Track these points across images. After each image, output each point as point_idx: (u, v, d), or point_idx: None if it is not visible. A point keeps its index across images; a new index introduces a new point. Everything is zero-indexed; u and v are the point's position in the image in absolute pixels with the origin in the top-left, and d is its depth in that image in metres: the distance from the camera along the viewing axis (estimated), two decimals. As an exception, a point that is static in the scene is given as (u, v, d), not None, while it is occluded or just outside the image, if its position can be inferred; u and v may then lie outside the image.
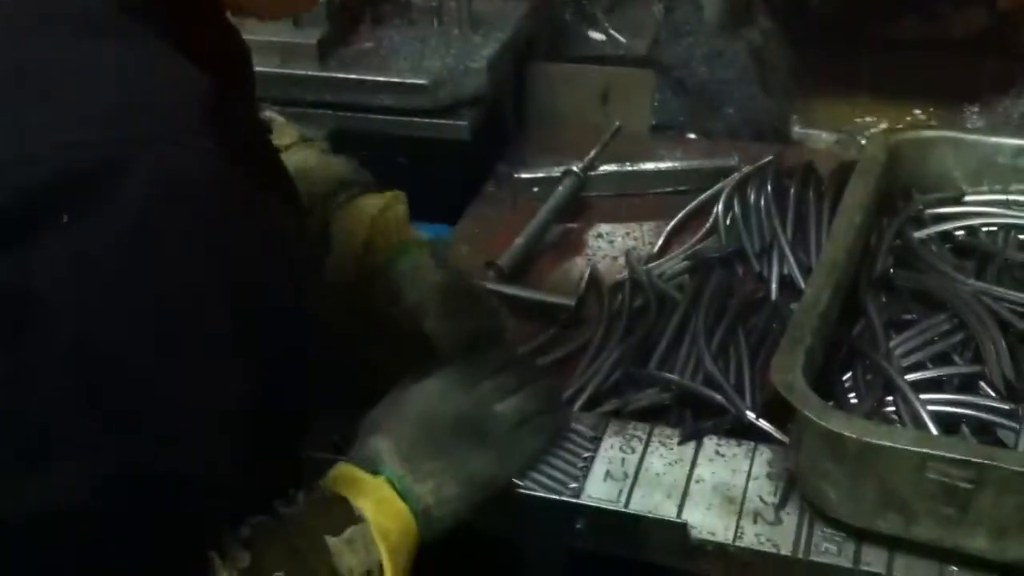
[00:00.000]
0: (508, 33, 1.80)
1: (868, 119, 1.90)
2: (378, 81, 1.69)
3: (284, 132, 1.32)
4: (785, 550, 1.07)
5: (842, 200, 1.39)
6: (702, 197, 1.64)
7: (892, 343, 1.26)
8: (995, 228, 1.47)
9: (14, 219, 0.71)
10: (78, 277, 0.72)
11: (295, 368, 0.91)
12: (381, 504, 0.98)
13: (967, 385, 1.21)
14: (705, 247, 1.54)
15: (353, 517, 0.95)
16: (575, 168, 1.65)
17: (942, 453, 1.01)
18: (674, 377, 1.27)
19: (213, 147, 0.77)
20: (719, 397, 1.22)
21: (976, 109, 1.88)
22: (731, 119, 1.86)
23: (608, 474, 1.14)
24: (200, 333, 0.78)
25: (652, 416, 1.24)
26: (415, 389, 1.09)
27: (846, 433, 1.03)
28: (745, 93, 1.86)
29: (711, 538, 1.09)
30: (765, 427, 1.19)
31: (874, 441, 1.03)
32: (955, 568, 1.05)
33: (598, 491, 1.12)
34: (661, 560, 1.11)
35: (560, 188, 1.63)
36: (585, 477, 1.14)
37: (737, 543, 1.08)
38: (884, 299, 1.35)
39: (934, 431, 1.12)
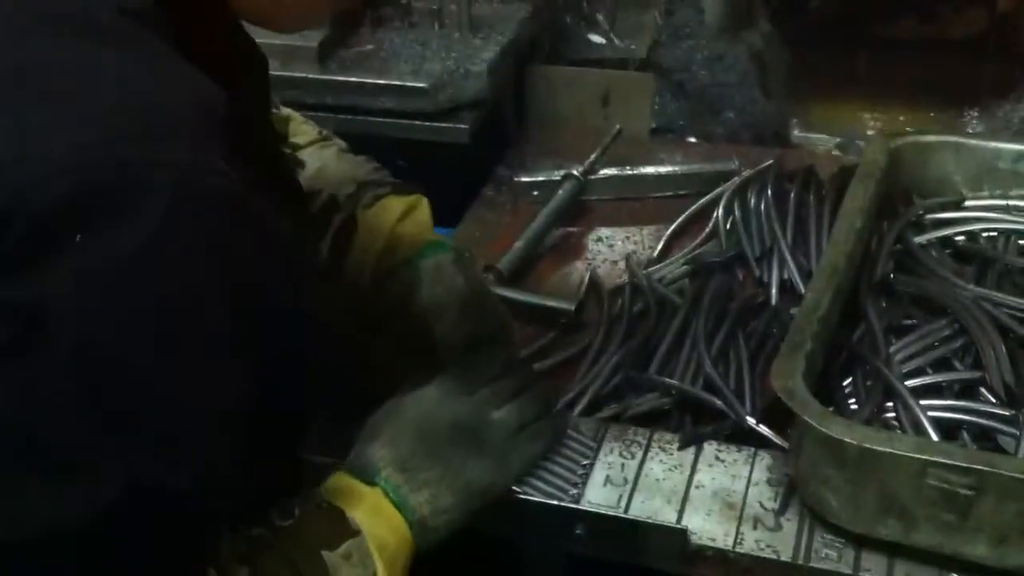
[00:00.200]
0: (508, 36, 1.80)
1: (868, 123, 1.90)
2: (378, 84, 1.69)
3: (302, 130, 1.32)
4: (785, 556, 1.07)
5: (842, 204, 1.39)
6: (702, 201, 1.64)
7: (892, 348, 1.25)
8: (995, 233, 1.46)
9: (28, 239, 0.71)
10: (88, 294, 0.72)
11: (294, 369, 0.91)
12: (377, 515, 0.98)
13: (967, 391, 1.21)
14: (705, 251, 1.54)
15: (350, 530, 0.95)
16: (575, 172, 1.65)
17: (942, 459, 1.01)
18: (674, 382, 1.27)
19: (226, 165, 0.77)
20: (719, 402, 1.22)
21: (976, 113, 1.88)
22: (731, 123, 1.86)
23: (608, 479, 1.14)
24: (201, 335, 0.78)
25: (652, 421, 1.24)
26: (413, 396, 1.09)
27: (846, 439, 1.03)
28: (745, 97, 1.86)
29: (711, 544, 1.09)
30: (765, 432, 1.19)
31: (874, 447, 1.03)
32: (955, 575, 1.05)
33: (598, 496, 1.12)
34: (661, 566, 1.11)
35: (560, 192, 1.63)
36: (585, 482, 1.13)
37: (737, 549, 1.08)
38: (884, 304, 1.35)
39: (934, 437, 1.12)
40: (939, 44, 2.01)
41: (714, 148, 1.82)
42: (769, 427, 1.19)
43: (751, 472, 1.15)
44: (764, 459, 1.16)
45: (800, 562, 1.06)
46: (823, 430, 1.04)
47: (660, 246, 1.57)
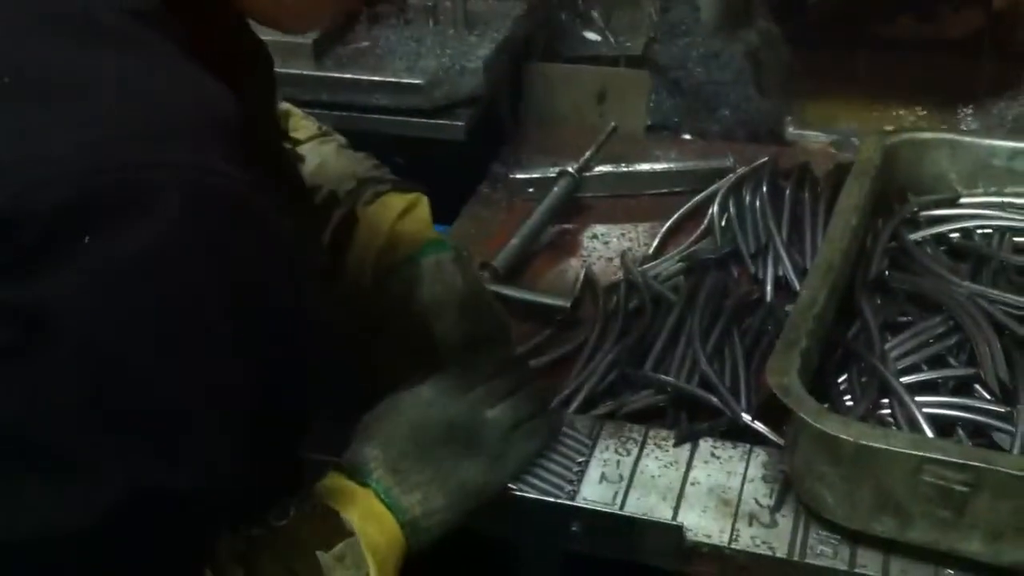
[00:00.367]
0: (504, 33, 1.80)
1: (863, 120, 1.90)
2: (374, 81, 1.69)
3: (302, 125, 1.32)
4: (781, 552, 1.07)
5: (838, 202, 1.40)
6: (697, 198, 1.64)
7: (887, 345, 1.26)
8: (990, 230, 1.46)
9: (30, 242, 0.70)
10: (90, 295, 0.72)
11: (296, 369, 0.91)
12: (369, 516, 0.99)
13: (962, 388, 1.21)
14: (700, 248, 1.54)
15: (344, 532, 0.96)
16: (570, 169, 1.65)
17: (938, 456, 1.01)
18: (669, 379, 1.27)
19: (229, 165, 0.77)
20: (714, 399, 1.22)
21: (971, 111, 1.88)
22: (726, 120, 1.86)
23: (603, 476, 1.14)
24: (202, 335, 0.78)
25: (647, 418, 1.24)
26: (408, 396, 1.09)
27: (842, 435, 1.03)
28: (741, 94, 1.86)
29: (707, 540, 1.09)
30: (760, 429, 1.19)
31: (870, 444, 1.03)
32: (951, 571, 1.05)
33: (593, 493, 1.12)
34: (656, 562, 1.11)
35: (555, 189, 1.63)
36: (580, 479, 1.13)
37: (733, 545, 1.08)
38: (879, 301, 1.35)
39: (930, 434, 1.12)
40: (933, 43, 2.01)
41: (709, 145, 1.82)
42: (764, 424, 1.19)
43: (747, 469, 1.15)
44: (760, 456, 1.17)
45: (796, 559, 1.06)
46: (819, 427, 1.04)
47: (655, 243, 1.57)
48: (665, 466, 1.16)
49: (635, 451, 1.17)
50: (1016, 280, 1.37)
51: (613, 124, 1.70)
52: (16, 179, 0.71)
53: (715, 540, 1.08)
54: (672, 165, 1.73)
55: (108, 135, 0.74)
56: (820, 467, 1.06)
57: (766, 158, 1.66)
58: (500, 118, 1.86)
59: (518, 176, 1.70)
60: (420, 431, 1.06)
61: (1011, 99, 1.86)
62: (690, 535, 1.09)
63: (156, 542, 0.80)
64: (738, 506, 1.11)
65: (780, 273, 1.45)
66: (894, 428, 1.14)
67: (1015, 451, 1.11)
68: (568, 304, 1.43)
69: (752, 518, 1.10)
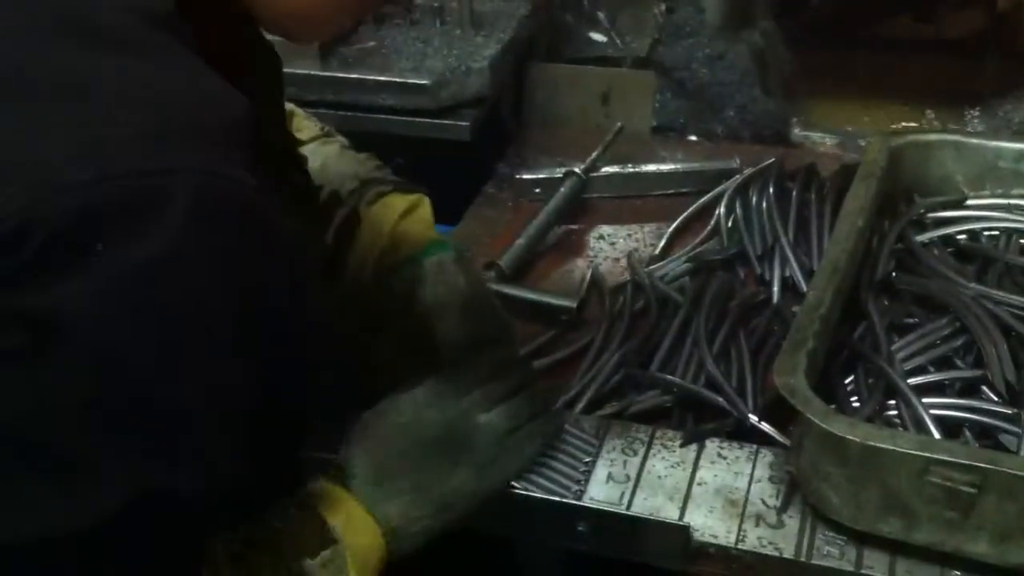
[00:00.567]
0: (510, 34, 1.80)
1: (869, 121, 1.90)
2: (380, 81, 1.69)
3: (304, 126, 1.32)
4: (787, 553, 1.07)
5: (844, 203, 1.40)
6: (704, 199, 1.64)
7: (894, 346, 1.26)
8: (997, 232, 1.47)
9: (44, 249, 0.71)
10: (102, 303, 0.72)
11: (297, 370, 0.91)
12: (352, 521, 0.98)
13: (969, 389, 1.21)
14: (707, 249, 1.54)
15: (329, 539, 0.96)
16: (576, 169, 1.65)
17: (944, 457, 1.01)
18: (676, 379, 1.27)
19: (241, 171, 0.77)
20: (721, 400, 1.22)
21: (977, 112, 1.88)
22: (732, 121, 1.86)
23: (610, 476, 1.14)
24: (208, 340, 0.78)
25: (653, 419, 1.24)
26: (401, 400, 1.07)
27: (848, 436, 1.03)
28: (746, 95, 1.86)
29: (713, 541, 1.09)
30: (767, 430, 1.19)
31: (876, 444, 1.03)
32: (957, 572, 1.05)
33: (600, 493, 1.12)
34: (663, 563, 1.11)
35: (562, 189, 1.63)
36: (587, 479, 1.14)
37: (739, 546, 1.08)
38: (886, 302, 1.35)
39: (936, 435, 1.12)
40: (940, 44, 2.01)
41: (715, 146, 1.82)
42: (771, 425, 1.19)
43: (753, 469, 1.15)
44: (766, 456, 1.17)
45: (802, 559, 1.06)
46: (825, 427, 1.04)
47: (662, 244, 1.57)
48: (672, 466, 1.16)
49: (642, 451, 1.17)
50: (1022, 282, 1.37)
51: (620, 124, 1.71)
52: (25, 185, 0.71)
53: (722, 540, 1.09)
54: (678, 166, 1.73)
55: (115, 141, 0.74)
56: (827, 468, 1.06)
57: (772, 159, 1.66)
58: (505, 119, 1.86)
59: (524, 176, 1.70)
60: (408, 436, 1.05)
61: (1017, 100, 1.86)
62: (697, 535, 1.09)
63: (156, 542, 0.81)
64: (745, 507, 1.11)
65: (786, 274, 1.45)
66: (901, 429, 1.14)
67: (1022, 452, 1.11)
68: (574, 304, 1.43)
69: (759, 519, 1.10)
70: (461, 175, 1.72)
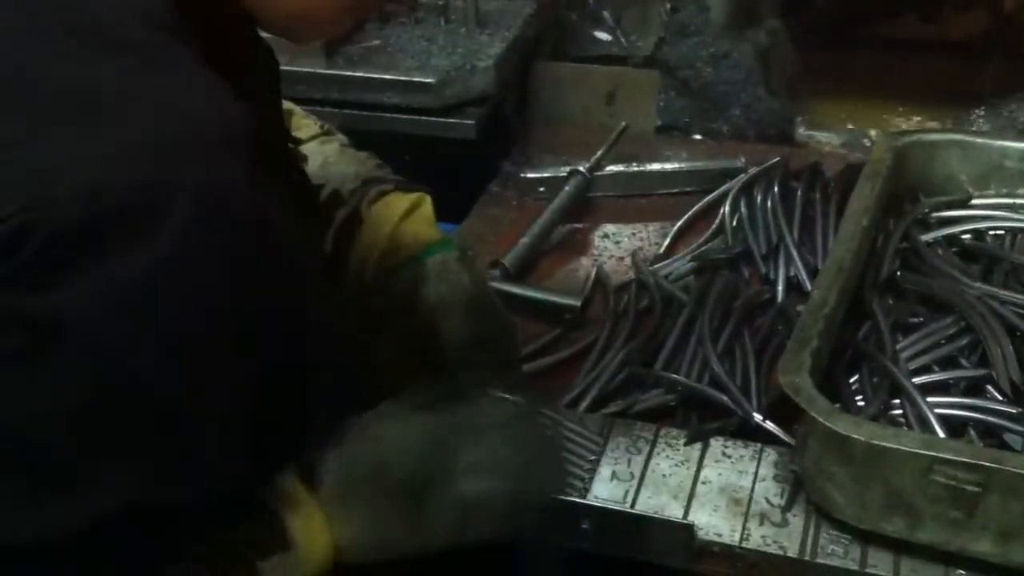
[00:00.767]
0: (514, 32, 1.80)
1: (874, 121, 1.90)
2: (385, 79, 1.69)
3: (303, 124, 1.31)
4: (792, 552, 1.07)
5: (849, 203, 1.40)
6: (709, 198, 1.64)
7: (899, 346, 1.26)
8: (1002, 232, 1.47)
9: (46, 254, 0.71)
10: (103, 308, 0.73)
11: (298, 373, 0.91)
12: (308, 526, 0.94)
13: (974, 388, 1.21)
14: (711, 248, 1.54)
15: (285, 543, 0.92)
16: (581, 168, 1.65)
17: (949, 456, 1.01)
18: (680, 378, 1.27)
19: (242, 177, 0.77)
20: (725, 398, 1.22)
21: (982, 112, 1.88)
22: (736, 120, 1.86)
23: (614, 475, 1.14)
24: (209, 346, 0.79)
25: (658, 417, 1.24)
26: (394, 420, 1.01)
27: (853, 435, 1.03)
28: (751, 94, 1.86)
29: (717, 539, 1.09)
30: (771, 429, 1.19)
31: (881, 443, 1.03)
32: (961, 571, 1.05)
33: (604, 492, 1.12)
34: (667, 561, 1.11)
35: (566, 188, 1.63)
36: (591, 478, 1.14)
37: (743, 545, 1.08)
38: (890, 302, 1.35)
39: (941, 434, 1.12)
40: (945, 44, 2.01)
41: (719, 146, 1.82)
42: (775, 424, 1.19)
43: (757, 468, 1.15)
44: (770, 455, 1.17)
45: (807, 558, 1.06)
46: (830, 426, 1.04)
47: (666, 243, 1.57)
48: (676, 465, 1.16)
49: (646, 450, 1.17)
50: (1027, 281, 1.37)
51: (624, 123, 1.71)
52: (26, 188, 0.71)
53: (726, 539, 1.09)
54: (683, 165, 1.73)
55: (117, 146, 0.74)
56: (831, 467, 1.06)
57: (777, 159, 1.66)
58: (510, 117, 1.86)
59: (528, 175, 1.70)
60: (386, 463, 0.98)
61: (1022, 101, 1.86)
62: (701, 534, 1.09)
63: (156, 543, 0.81)
64: (749, 505, 1.11)
65: (791, 273, 1.45)
66: (905, 428, 1.14)
67: (1026, 452, 1.11)
68: (578, 303, 1.43)
69: (763, 517, 1.10)
70: (465, 174, 1.73)
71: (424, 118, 1.68)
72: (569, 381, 1.30)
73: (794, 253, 1.46)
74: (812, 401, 1.07)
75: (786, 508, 1.11)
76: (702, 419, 1.22)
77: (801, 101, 1.93)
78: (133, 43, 0.80)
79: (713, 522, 1.10)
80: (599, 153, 1.67)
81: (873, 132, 1.85)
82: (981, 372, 1.21)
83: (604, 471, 1.15)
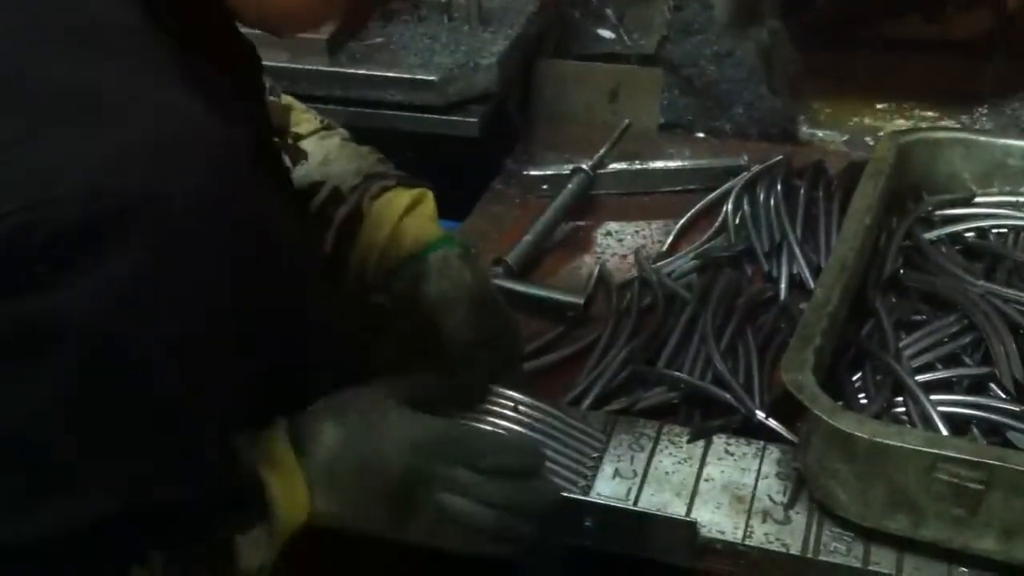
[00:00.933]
0: (517, 30, 1.80)
1: (876, 119, 1.90)
2: (388, 77, 1.69)
3: (303, 119, 1.31)
4: (794, 550, 1.07)
5: (852, 201, 1.40)
6: (711, 196, 1.65)
7: (902, 344, 1.26)
8: (1005, 230, 1.47)
9: (46, 255, 0.71)
10: (102, 309, 0.73)
11: (297, 371, 0.91)
12: (291, 494, 0.92)
13: (977, 386, 1.21)
14: (714, 246, 1.54)
15: (265, 514, 0.90)
16: (584, 166, 1.65)
17: (952, 454, 1.01)
18: (683, 376, 1.27)
19: (245, 177, 0.78)
20: (728, 396, 1.22)
21: (985, 110, 1.88)
22: (739, 118, 1.86)
23: (617, 472, 1.14)
24: (208, 346, 0.79)
25: (661, 415, 1.24)
26: (401, 417, 0.98)
27: (856, 433, 1.03)
28: (754, 93, 1.86)
29: (720, 537, 1.09)
30: (774, 426, 1.19)
31: (884, 441, 1.03)
32: (964, 569, 1.05)
33: (607, 489, 1.12)
34: (669, 559, 1.11)
35: (569, 186, 1.63)
36: (594, 475, 1.14)
37: (746, 542, 1.08)
38: (893, 300, 1.35)
39: (944, 432, 1.12)
40: (947, 44, 2.02)
41: (722, 144, 1.82)
42: (778, 421, 1.19)
43: (760, 466, 1.15)
44: (773, 453, 1.17)
45: (809, 556, 1.06)
46: (833, 424, 1.04)
47: (669, 241, 1.57)
48: (679, 462, 1.16)
49: (649, 447, 1.17)
50: (1030, 280, 1.37)
51: (627, 121, 1.71)
52: (27, 191, 0.72)
53: (729, 537, 1.08)
54: (686, 163, 1.73)
55: (116, 147, 0.74)
56: (834, 464, 1.06)
57: (780, 156, 1.66)
58: (513, 115, 1.86)
59: (531, 173, 1.70)
60: (378, 464, 0.96)
61: (1025, 99, 1.87)
62: (704, 531, 1.09)
63: (156, 542, 0.81)
64: (752, 503, 1.11)
65: (794, 271, 1.45)
66: (908, 426, 1.14)
67: (1029, 450, 1.11)
68: (581, 301, 1.43)
69: (766, 515, 1.10)
70: (468, 171, 1.73)
71: (427, 116, 1.68)
72: (572, 379, 1.30)
73: (797, 251, 1.46)
74: (815, 399, 1.07)
75: (789, 506, 1.11)
76: (705, 417, 1.22)
77: (804, 99, 1.93)
78: (133, 43, 0.80)
79: (716, 519, 1.10)
80: (602, 151, 1.67)
81: (876, 130, 1.85)
82: (984, 370, 1.21)
83: (607, 468, 1.15)
